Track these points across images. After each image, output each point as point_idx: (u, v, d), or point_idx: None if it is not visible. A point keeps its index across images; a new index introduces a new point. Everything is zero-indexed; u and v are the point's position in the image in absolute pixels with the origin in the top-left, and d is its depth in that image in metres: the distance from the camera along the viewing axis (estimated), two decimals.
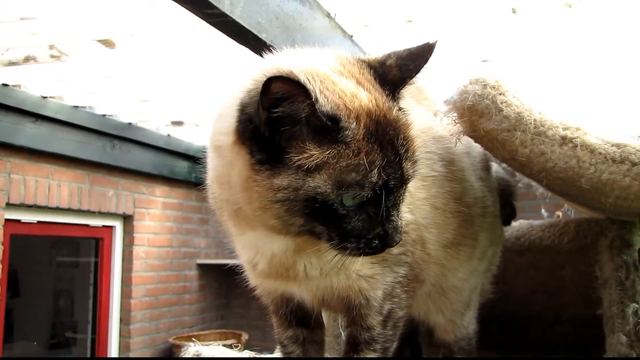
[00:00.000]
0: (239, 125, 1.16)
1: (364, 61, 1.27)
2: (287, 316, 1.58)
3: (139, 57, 4.00)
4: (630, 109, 5.18)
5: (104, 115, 5.33)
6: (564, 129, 1.29)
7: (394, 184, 1.15)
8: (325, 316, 2.05)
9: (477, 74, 1.42)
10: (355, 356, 1.47)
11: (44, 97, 4.74)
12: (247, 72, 1.26)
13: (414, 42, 1.27)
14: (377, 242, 1.17)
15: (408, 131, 1.19)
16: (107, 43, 3.77)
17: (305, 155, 1.10)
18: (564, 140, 1.28)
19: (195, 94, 4.86)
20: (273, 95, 1.06)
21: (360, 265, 1.40)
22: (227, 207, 1.31)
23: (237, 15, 2.49)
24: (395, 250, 1.39)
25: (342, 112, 1.11)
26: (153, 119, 5.67)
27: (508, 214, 2.05)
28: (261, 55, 3.04)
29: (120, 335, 5.94)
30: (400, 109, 1.22)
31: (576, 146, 1.26)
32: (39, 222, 5.13)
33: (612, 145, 1.25)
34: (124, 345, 5.91)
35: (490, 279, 1.99)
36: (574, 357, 2.06)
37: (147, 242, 6.22)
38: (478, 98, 1.37)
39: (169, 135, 6.15)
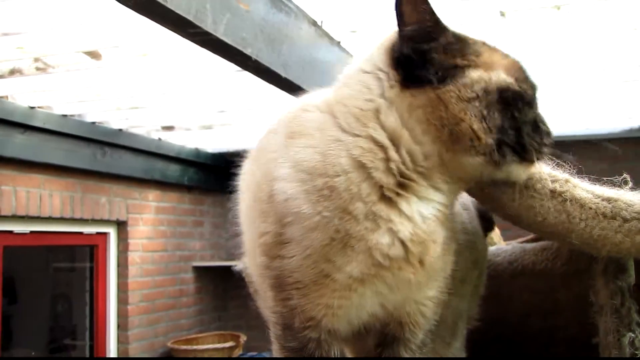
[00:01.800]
0: (398, 73, 1.23)
1: None
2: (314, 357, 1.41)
3: (125, 67, 3.96)
4: (619, 108, 5.17)
5: (93, 123, 5.28)
6: (553, 181, 1.26)
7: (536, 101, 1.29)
8: None
9: None
10: None
11: (32, 108, 4.69)
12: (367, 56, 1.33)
13: None
14: (547, 138, 1.29)
15: None
16: (93, 55, 3.74)
17: (468, 58, 1.22)
18: (553, 194, 1.25)
19: (184, 100, 4.83)
20: (413, 17, 1.20)
21: (427, 300, 1.43)
22: (384, 176, 1.25)
23: (221, 32, 2.46)
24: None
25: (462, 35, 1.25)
26: (143, 125, 5.63)
27: (484, 228, 2.01)
28: (247, 69, 3.01)
29: (119, 341, 5.92)
30: None
31: (566, 200, 1.23)
32: (32, 232, 5.10)
33: (603, 200, 1.22)
34: (122, 351, 5.90)
35: (477, 304, 1.95)
36: None
37: (142, 247, 6.19)
38: None
39: (159, 139, 6.10)
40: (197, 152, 6.67)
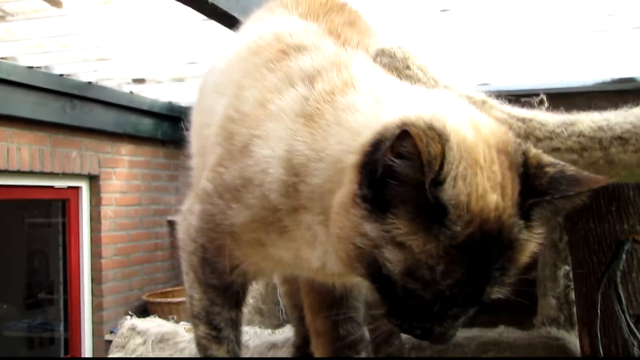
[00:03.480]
0: (364, 157, 1.06)
1: (523, 152, 1.09)
2: (237, 294, 1.47)
3: (88, 16, 3.87)
4: (590, 60, 5.14)
5: (61, 75, 5.18)
6: (470, 103, 1.25)
7: (462, 302, 1.05)
8: (261, 285, 2.05)
9: (387, 44, 1.36)
10: None
11: None
12: (403, 104, 1.14)
13: None
14: (419, 332, 1.10)
15: (516, 255, 1.05)
16: (53, 2, 3.65)
17: (398, 226, 1.01)
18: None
19: (152, 51, 4.75)
20: (405, 147, 0.96)
21: None
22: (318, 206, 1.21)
23: None
24: None
25: (458, 210, 0.98)
26: (114, 77, 5.54)
27: None
28: (203, 13, 2.91)
29: (93, 294, 5.94)
30: (524, 227, 1.04)
31: None
32: (0, 185, 5.04)
33: (518, 120, 1.22)
34: (97, 304, 5.92)
35: None
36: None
37: (115, 201, 6.16)
38: (387, 71, 1.32)
39: (131, 92, 6.01)
40: (171, 106, 6.59)
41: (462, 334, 1.69)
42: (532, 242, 1.06)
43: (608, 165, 1.17)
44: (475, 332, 1.69)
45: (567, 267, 1.57)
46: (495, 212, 1.00)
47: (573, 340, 1.55)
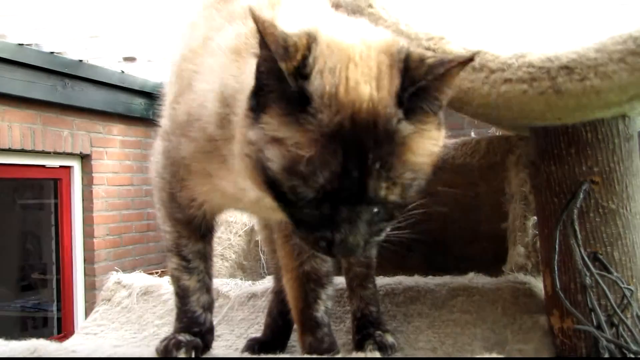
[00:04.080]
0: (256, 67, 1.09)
1: (406, 52, 1.07)
2: (200, 227, 1.53)
3: None
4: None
5: (52, 53, 5.20)
6: (428, 39, 1.29)
7: (347, 197, 1.04)
8: (244, 241, 2.10)
9: None
10: None
11: None
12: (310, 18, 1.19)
13: None
14: (324, 244, 1.10)
15: (399, 149, 1.03)
16: None
17: (269, 121, 1.04)
18: (427, 50, 1.27)
19: (145, 29, 4.75)
20: (276, 43, 1.00)
21: None
22: None
23: None
24: None
25: (323, 99, 1.00)
26: (104, 56, 5.55)
27: None
28: None
29: (85, 274, 5.97)
30: (404, 119, 1.03)
31: None
32: None
33: (473, 53, 1.25)
34: (89, 284, 5.96)
35: None
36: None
37: (107, 181, 6.19)
38: (351, 13, 1.36)
39: (122, 71, 6.03)
40: (162, 86, 6.59)
41: (434, 280, 1.76)
42: (421, 139, 1.06)
43: (556, 94, 1.21)
44: (446, 279, 1.76)
45: (536, 218, 1.63)
46: (368, 103, 1.01)
47: (539, 285, 1.61)
